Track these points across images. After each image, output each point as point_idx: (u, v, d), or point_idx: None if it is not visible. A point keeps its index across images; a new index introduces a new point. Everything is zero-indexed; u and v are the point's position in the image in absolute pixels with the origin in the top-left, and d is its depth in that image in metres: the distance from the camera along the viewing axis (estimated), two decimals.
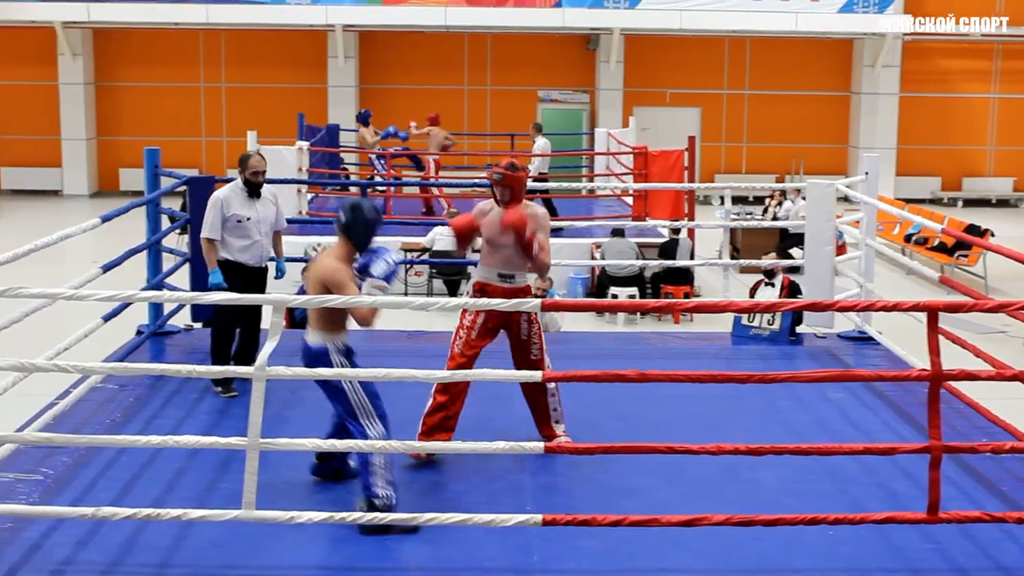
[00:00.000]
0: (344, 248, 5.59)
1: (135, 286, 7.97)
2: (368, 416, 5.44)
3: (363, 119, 19.33)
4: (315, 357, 5.50)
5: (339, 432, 5.66)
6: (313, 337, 5.52)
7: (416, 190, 19.23)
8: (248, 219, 7.47)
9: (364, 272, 5.54)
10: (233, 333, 7.61)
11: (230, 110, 26.65)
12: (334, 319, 5.48)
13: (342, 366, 5.47)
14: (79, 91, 25.94)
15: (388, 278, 5.54)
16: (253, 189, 7.50)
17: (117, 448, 6.09)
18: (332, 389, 5.46)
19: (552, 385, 6.49)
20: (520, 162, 6.65)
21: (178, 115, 26.52)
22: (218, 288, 7.31)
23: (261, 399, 4.87)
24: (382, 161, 18.75)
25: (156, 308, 8.74)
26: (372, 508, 5.26)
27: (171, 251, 9.17)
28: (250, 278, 7.54)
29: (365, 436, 5.38)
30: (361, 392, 5.44)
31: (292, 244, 15.35)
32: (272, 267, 7.88)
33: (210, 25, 24.97)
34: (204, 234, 7.50)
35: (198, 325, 9.19)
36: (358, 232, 5.58)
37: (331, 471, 5.91)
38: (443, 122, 19.12)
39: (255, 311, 7.63)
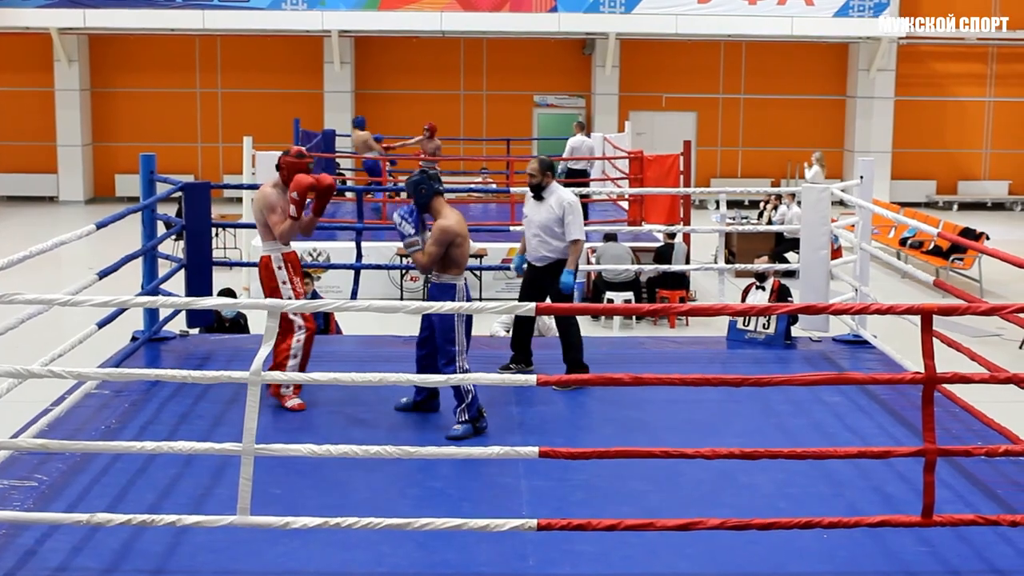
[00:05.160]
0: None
1: (131, 292, 7.97)
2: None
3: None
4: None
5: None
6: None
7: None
8: None
9: None
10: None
11: (226, 116, 26.67)
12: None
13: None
14: (75, 97, 25.96)
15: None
16: None
17: (112, 454, 6.09)
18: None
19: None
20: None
21: (174, 121, 26.55)
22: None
23: (256, 404, 4.87)
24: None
25: (151, 314, 8.74)
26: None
27: (167, 257, 9.16)
28: None
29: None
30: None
31: None
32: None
33: (206, 31, 24.99)
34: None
35: (194, 331, 9.19)
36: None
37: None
38: (440, 128, 19.09)
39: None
